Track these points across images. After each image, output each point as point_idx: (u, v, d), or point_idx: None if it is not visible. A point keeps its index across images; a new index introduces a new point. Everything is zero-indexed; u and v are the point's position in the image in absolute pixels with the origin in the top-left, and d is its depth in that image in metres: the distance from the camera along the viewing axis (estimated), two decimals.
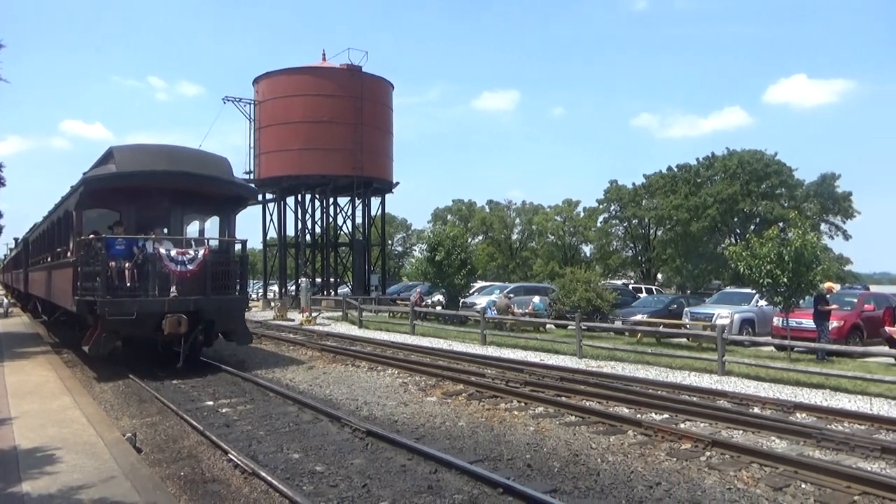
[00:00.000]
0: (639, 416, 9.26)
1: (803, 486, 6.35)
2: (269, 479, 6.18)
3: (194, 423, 8.56)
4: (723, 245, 46.77)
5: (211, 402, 10.40)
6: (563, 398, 10.43)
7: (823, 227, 43.58)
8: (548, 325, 22.44)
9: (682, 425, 8.72)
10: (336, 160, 35.43)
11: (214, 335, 14.23)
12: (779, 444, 7.87)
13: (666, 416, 9.27)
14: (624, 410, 9.68)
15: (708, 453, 7.39)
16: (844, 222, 43.98)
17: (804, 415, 9.43)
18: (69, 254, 14.37)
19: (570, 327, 21.81)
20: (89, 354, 12.43)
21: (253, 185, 26.15)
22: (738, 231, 45.33)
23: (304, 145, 35.33)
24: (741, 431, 8.43)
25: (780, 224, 42.29)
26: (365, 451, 7.51)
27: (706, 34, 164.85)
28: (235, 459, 6.88)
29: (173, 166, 13.00)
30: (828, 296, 16.33)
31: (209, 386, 11.87)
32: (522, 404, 10.10)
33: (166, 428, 8.70)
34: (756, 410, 9.71)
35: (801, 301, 15.94)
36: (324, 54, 38.53)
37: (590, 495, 6.09)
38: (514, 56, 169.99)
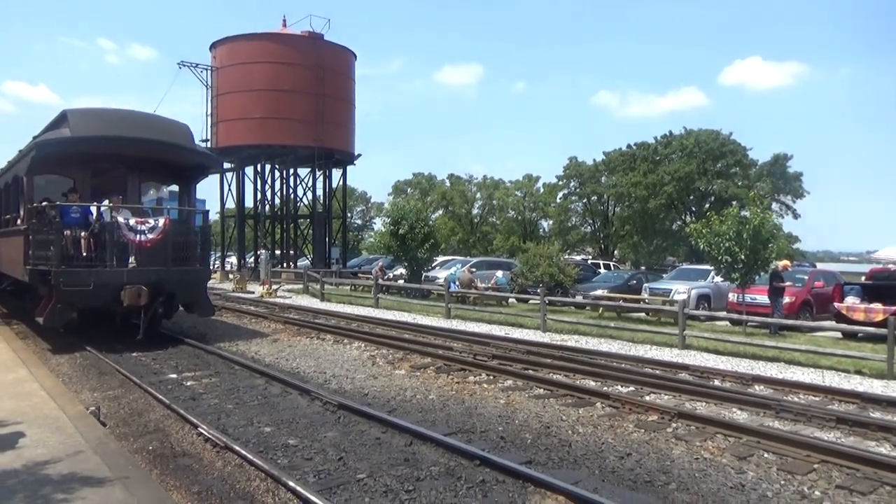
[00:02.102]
0: (605, 388, 9.44)
1: (766, 455, 6.58)
2: (243, 452, 6.09)
3: (160, 396, 8.37)
4: (679, 222, 47.98)
5: (174, 375, 10.18)
6: (531, 371, 10.56)
7: (774, 206, 44.86)
8: (510, 300, 22.66)
9: (647, 397, 8.93)
10: (297, 130, 34.74)
11: (175, 307, 13.92)
12: (740, 416, 8.13)
13: (631, 388, 9.48)
14: (591, 383, 9.86)
15: (674, 424, 7.59)
16: (794, 202, 45.43)
17: (762, 387, 9.77)
18: (19, 221, 13.79)
19: (531, 301, 22.13)
20: (43, 326, 12.00)
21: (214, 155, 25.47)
22: (694, 209, 46.38)
23: (265, 114, 34.52)
24: (704, 403, 8.68)
25: (734, 203, 43.52)
26: (337, 424, 7.47)
27: (665, 14, 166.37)
28: (206, 433, 6.75)
29: (132, 132, 12.52)
30: (782, 273, 16.86)
31: (171, 359, 11.61)
32: (491, 377, 10.19)
33: (130, 401, 8.48)
34: (717, 383, 10.02)
35: (757, 277, 16.44)
36: (284, 20, 37.53)
37: (563, 466, 6.19)
38: (478, 30, 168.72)
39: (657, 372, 10.73)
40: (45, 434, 6.23)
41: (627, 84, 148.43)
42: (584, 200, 55.68)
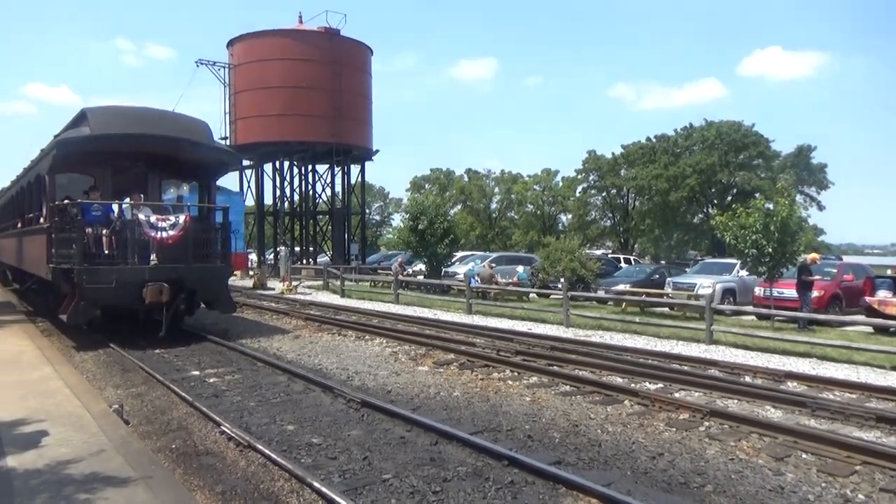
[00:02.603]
0: (633, 385, 9.23)
1: (804, 456, 6.35)
2: (267, 451, 5.99)
3: (182, 393, 8.32)
4: (701, 215, 47.35)
5: (197, 372, 10.15)
6: (556, 367, 10.37)
7: (798, 197, 44.11)
8: (531, 295, 22.45)
9: (677, 395, 8.72)
10: (314, 126, 34.73)
11: (196, 304, 13.92)
12: (774, 414, 7.89)
13: (660, 385, 9.26)
14: (618, 380, 9.65)
15: (707, 423, 7.37)
16: (819, 193, 44.59)
17: (795, 384, 9.50)
18: (42, 220, 13.85)
19: (552, 296, 21.90)
20: (67, 324, 12.05)
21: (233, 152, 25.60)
22: (716, 202, 45.69)
23: (282, 111, 34.54)
24: (736, 401, 8.44)
25: (757, 195, 42.79)
26: (361, 422, 7.35)
27: (682, 4, 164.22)
28: (229, 431, 6.67)
29: (151, 129, 12.50)
30: (811, 266, 16.48)
31: (193, 355, 11.60)
32: (515, 374, 10.02)
33: (153, 399, 8.45)
34: (748, 379, 9.76)
35: (784, 271, 16.08)
36: (300, 17, 37.48)
37: (594, 466, 6.02)
38: (491, 24, 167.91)
39: (685, 368, 10.48)
40: (69, 433, 6.18)
41: (644, 76, 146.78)
42: (604, 194, 55.15)
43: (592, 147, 68.69)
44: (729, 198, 44.80)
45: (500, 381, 9.53)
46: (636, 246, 54.79)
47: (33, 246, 14.50)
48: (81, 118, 12.70)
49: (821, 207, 44.85)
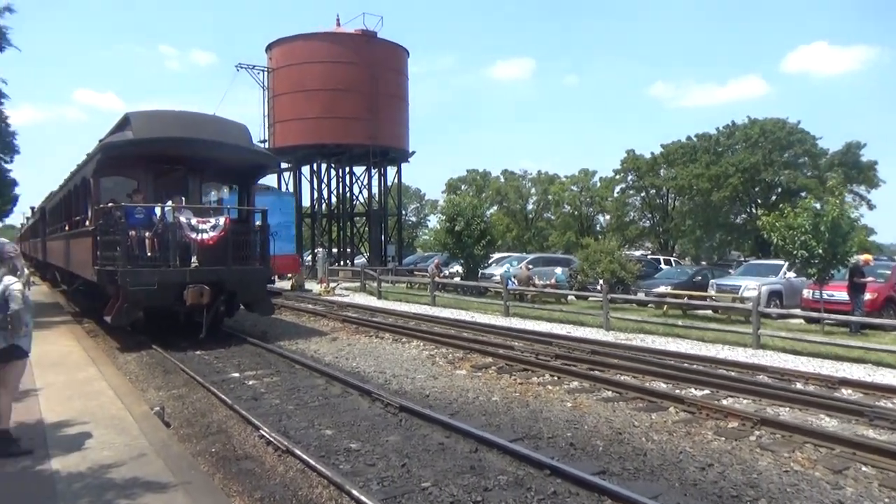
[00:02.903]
0: (678, 391, 8.96)
1: (864, 468, 6.03)
2: (305, 457, 5.94)
3: (222, 396, 8.36)
4: (744, 215, 46.19)
5: (237, 374, 10.21)
6: (597, 372, 10.14)
7: (847, 196, 42.64)
8: (569, 297, 22.15)
9: (724, 401, 8.41)
10: (352, 129, 34.94)
11: (236, 306, 14.06)
12: (829, 423, 7.55)
13: (706, 391, 8.95)
14: (662, 385, 9.38)
15: (757, 432, 7.07)
16: (868, 192, 43.05)
17: (850, 391, 9.09)
18: (87, 222, 14.16)
19: (591, 299, 21.56)
20: (112, 325, 12.27)
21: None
22: (759, 201, 44.51)
23: (320, 113, 34.85)
24: (787, 409, 8.10)
25: (803, 193, 41.51)
26: (399, 427, 7.26)
27: (723, 1, 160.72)
28: (268, 436, 6.65)
29: (192, 133, 12.66)
30: (863, 268, 15.85)
31: (233, 357, 11.68)
32: (555, 378, 9.83)
33: (194, 401, 8.51)
34: (799, 386, 9.37)
35: (836, 273, 15.50)
36: (338, 20, 37.82)
37: (640, 477, 5.81)
38: (528, 23, 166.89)
39: (732, 374, 10.13)
40: (111, 435, 6.23)
41: (684, 74, 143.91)
42: (643, 194, 54.23)
43: (631, 147, 67.69)
44: (773, 197, 43.58)
45: (539, 386, 9.35)
46: (676, 247, 53.74)
47: (79, 248, 14.84)
48: (125, 122, 12.94)
49: (871, 206, 43.31)
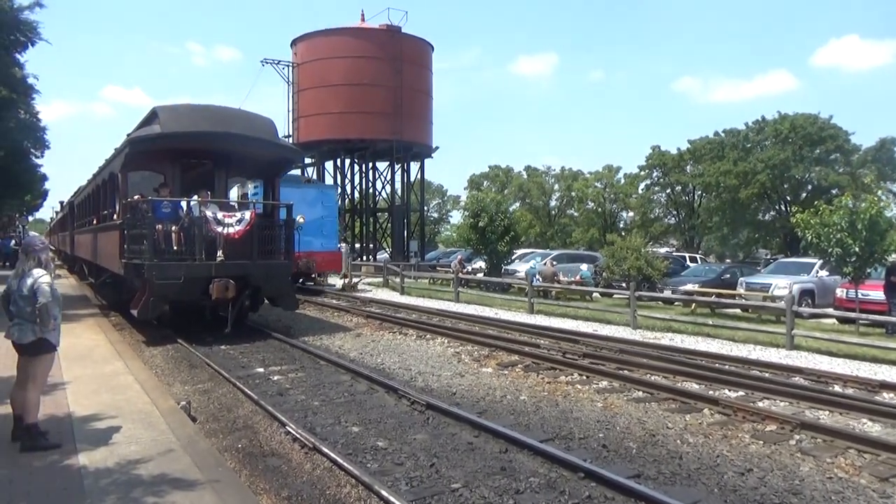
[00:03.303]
0: (711, 392, 8.72)
1: None
2: (333, 455, 5.84)
3: (248, 391, 8.31)
4: (773, 212, 45.32)
5: (262, 369, 10.17)
6: (626, 371, 9.93)
7: (880, 194, 41.60)
8: (594, 294, 21.88)
9: (760, 404, 8.17)
10: (376, 124, 34.89)
11: (261, 300, 14.06)
12: (872, 428, 7.27)
13: (741, 393, 8.70)
14: (694, 386, 9.14)
15: (797, 436, 6.83)
16: None
17: (891, 395, 8.77)
18: (115, 216, 14.23)
19: (616, 296, 21.28)
20: (138, 318, 12.30)
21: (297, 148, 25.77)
22: (789, 198, 43.64)
23: (344, 108, 34.84)
24: (827, 412, 7.83)
25: (834, 190, 40.58)
26: (426, 425, 7.14)
27: None
28: (294, 432, 6.57)
29: (219, 127, 12.63)
30: None
31: (258, 352, 11.67)
32: (584, 377, 9.64)
33: (219, 396, 8.47)
34: (837, 389, 9.08)
35: (872, 271, 15.07)
36: (362, 14, 37.76)
37: (676, 481, 5.61)
38: (551, 18, 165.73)
39: (766, 375, 9.85)
40: (138, 430, 6.18)
41: (711, 68, 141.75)
42: (668, 191, 53.49)
43: (656, 143, 66.85)
44: (804, 195, 42.69)
45: (567, 385, 9.17)
46: (702, 244, 52.94)
47: (107, 242, 14.94)
48: (152, 117, 12.97)
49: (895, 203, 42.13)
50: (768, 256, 48.67)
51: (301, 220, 21.02)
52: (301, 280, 23.91)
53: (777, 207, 45.16)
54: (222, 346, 12.11)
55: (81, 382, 8.18)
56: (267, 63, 37.69)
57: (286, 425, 6.82)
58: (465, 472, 5.68)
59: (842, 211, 14.57)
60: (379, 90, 34.74)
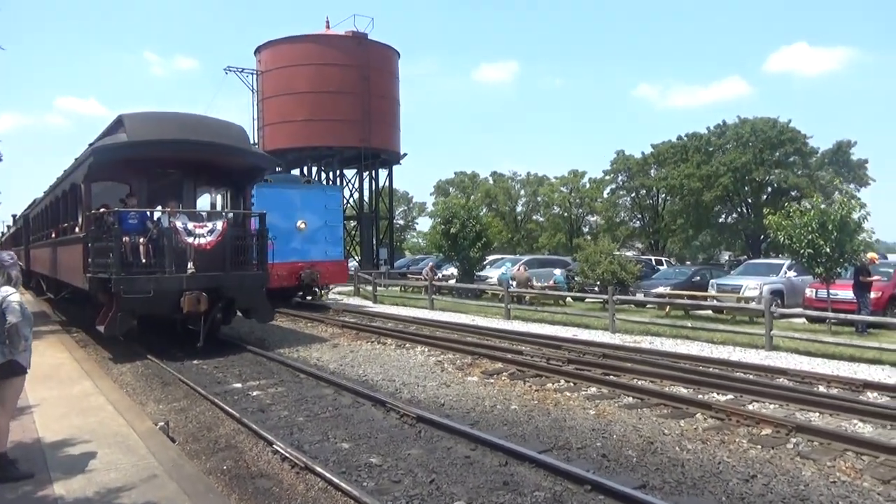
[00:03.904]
0: (701, 396, 8.67)
1: None
2: (327, 474, 5.56)
3: (228, 409, 7.95)
4: (735, 215, 46.19)
5: (239, 385, 9.79)
6: (613, 377, 9.83)
7: (837, 195, 42.73)
8: (567, 299, 21.87)
9: (750, 406, 8.14)
10: (343, 131, 34.45)
11: (233, 313, 13.63)
12: (864, 429, 7.28)
13: (730, 396, 8.67)
14: (682, 390, 9.09)
15: (794, 440, 6.79)
16: (859, 190, 43.14)
17: (876, 394, 8.86)
18: (78, 229, 13.67)
19: (588, 300, 21.35)
20: (105, 335, 11.78)
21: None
22: (750, 201, 44.54)
23: (310, 116, 34.32)
24: (817, 413, 7.83)
25: (793, 192, 41.53)
26: (419, 439, 6.90)
27: (704, 3, 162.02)
28: (283, 451, 6.26)
29: (188, 134, 12.21)
30: (869, 267, 15.70)
31: (233, 366, 11.26)
32: (571, 384, 9.51)
33: (197, 414, 8.09)
34: (822, 389, 9.13)
35: (843, 271, 15.35)
36: (327, 22, 37.30)
37: (683, 491, 5.49)
38: (512, 26, 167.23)
39: (751, 377, 9.87)
40: (116, 455, 5.81)
41: (668, 76, 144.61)
42: (633, 195, 54.14)
43: (618, 148, 67.69)
44: (764, 197, 43.63)
45: (556, 393, 9.02)
46: (666, 247, 53.66)
47: (69, 255, 14.33)
48: (117, 124, 12.47)
49: (861, 205, 43.34)
50: (730, 258, 49.63)
51: (302, 226, 19.85)
52: (301, 294, 21.80)
53: (739, 210, 46.06)
54: (195, 361, 11.66)
55: (49, 405, 7.73)
56: (230, 71, 36.97)
57: (273, 444, 6.51)
58: (468, 488, 5.47)
59: (813, 212, 14.81)
60: (346, 97, 34.34)
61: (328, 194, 22.98)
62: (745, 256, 45.89)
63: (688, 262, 45.24)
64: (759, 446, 6.61)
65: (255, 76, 37.18)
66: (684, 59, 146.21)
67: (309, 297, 22.11)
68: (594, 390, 9.12)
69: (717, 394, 8.82)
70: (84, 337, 14.74)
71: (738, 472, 5.90)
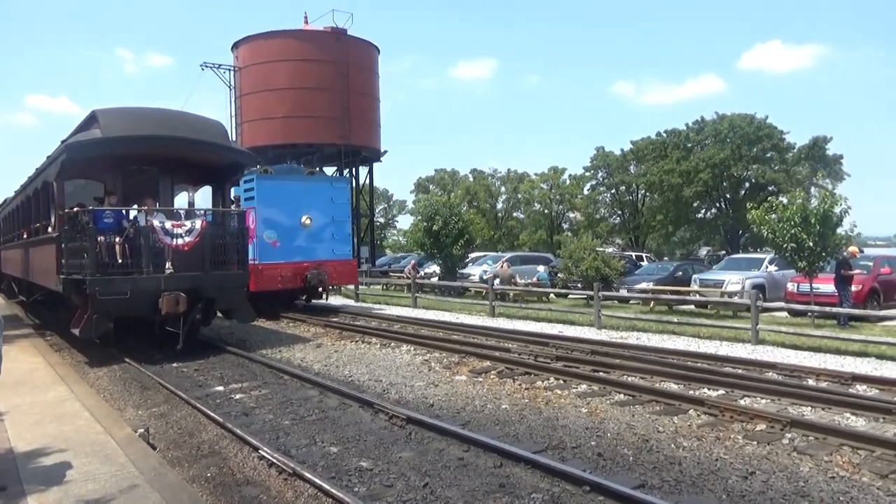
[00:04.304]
0: (692, 392, 8.60)
1: None
2: (317, 480, 5.35)
3: (211, 413, 7.69)
4: (714, 210, 46.56)
5: (221, 388, 9.51)
6: (602, 374, 9.73)
7: (813, 190, 43.24)
8: (550, 296, 21.80)
9: (742, 402, 8.07)
10: (322, 128, 34.04)
11: (213, 313, 13.31)
12: (857, 422, 7.24)
13: (721, 392, 8.60)
14: (672, 386, 9.00)
15: (788, 435, 6.71)
16: (835, 185, 43.72)
17: (865, 387, 8.85)
18: (51, 229, 13.26)
19: (571, 297, 21.33)
20: (80, 337, 11.42)
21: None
22: (728, 196, 44.93)
23: (289, 113, 33.85)
24: (809, 408, 7.78)
25: (770, 187, 41.96)
26: (410, 441, 6.72)
27: (680, 1, 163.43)
28: (269, 457, 6.03)
29: (165, 130, 11.86)
30: (851, 260, 15.82)
31: (214, 369, 10.97)
32: (561, 382, 9.38)
33: (178, 419, 7.81)
34: (811, 382, 9.11)
35: (826, 265, 15.45)
36: (306, 17, 36.94)
37: (681, 489, 5.37)
38: (489, 24, 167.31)
39: (740, 371, 9.83)
40: (94, 464, 5.55)
41: (644, 73, 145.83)
42: (613, 191, 54.35)
43: (596, 144, 68.07)
44: (742, 192, 44.01)
45: (547, 391, 8.89)
46: (646, 243, 53.96)
47: (42, 256, 13.89)
48: (91, 120, 12.08)
49: (843, 199, 43.88)
50: (709, 253, 50.03)
51: (308, 222, 18.29)
52: (305, 297, 19.90)
53: (718, 205, 46.42)
54: (174, 364, 11.35)
55: (22, 412, 7.42)
56: (207, 67, 36.34)
57: (259, 449, 6.28)
58: (463, 492, 5.30)
59: (795, 206, 14.87)
60: (325, 94, 33.91)
61: (335, 187, 19.79)
62: (724, 252, 46.35)
63: (665, 258, 45.56)
64: (755, 442, 6.53)
65: (232, 72, 36.61)
66: (660, 56, 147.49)
67: (319, 300, 20.29)
68: (585, 388, 9.00)
69: (708, 389, 8.75)
70: (58, 340, 14.32)
71: (736, 468, 5.81)
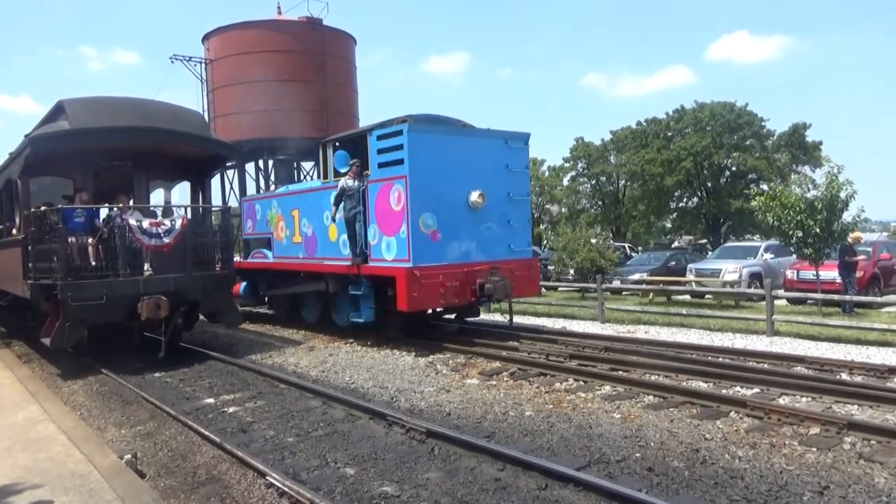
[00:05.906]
0: (725, 391, 8.02)
1: None
2: None
3: (204, 431, 6.87)
4: (696, 199, 46.47)
5: (212, 400, 8.68)
6: (623, 373, 9.11)
7: (793, 177, 43.28)
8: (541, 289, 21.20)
9: (780, 400, 7.52)
10: (299, 121, 32.91)
11: (196, 317, 12.44)
12: None
13: (756, 390, 8.03)
14: (702, 385, 8.42)
15: (848, 439, 6.14)
16: (814, 171, 43.88)
17: None
18: (15, 230, 12.26)
19: (561, 289, 20.84)
20: (51, 347, 10.48)
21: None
22: (710, 184, 44.83)
23: (264, 106, 32.61)
24: (856, 406, 7.24)
25: (751, 175, 41.97)
26: (434, 458, 6.00)
27: None
28: (279, 484, 5.27)
29: (140, 121, 10.93)
30: (854, 246, 15.48)
31: (202, 378, 10.11)
32: (581, 383, 8.74)
33: (167, 439, 6.99)
34: (845, 377, 8.59)
35: (831, 252, 15.10)
36: (279, 7, 35.57)
37: None
38: (461, 18, 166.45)
39: (766, 366, 9.27)
40: (76, 502, 4.74)
41: (615, 65, 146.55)
42: (593, 181, 54.05)
43: (572, 136, 67.69)
44: (723, 180, 43.96)
45: (569, 394, 8.23)
46: (627, 233, 53.77)
47: (6, 261, 12.84)
48: (58, 111, 11.10)
49: (815, 186, 44.10)
50: (691, 241, 49.97)
51: (479, 201, 11.67)
52: (456, 315, 14.12)
53: (699, 194, 46.33)
54: (157, 374, 10.47)
55: None
56: (177, 59, 34.86)
57: (266, 475, 5.51)
58: None
59: (799, 191, 14.48)
60: (301, 86, 32.68)
61: (511, 147, 12.53)
62: (706, 240, 46.32)
63: (640, 249, 45.38)
64: (815, 449, 5.94)
65: (203, 65, 35.28)
66: (630, 48, 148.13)
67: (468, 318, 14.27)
68: (608, 389, 8.36)
69: (741, 387, 8.18)
70: (27, 351, 13.31)
71: (807, 482, 5.20)
